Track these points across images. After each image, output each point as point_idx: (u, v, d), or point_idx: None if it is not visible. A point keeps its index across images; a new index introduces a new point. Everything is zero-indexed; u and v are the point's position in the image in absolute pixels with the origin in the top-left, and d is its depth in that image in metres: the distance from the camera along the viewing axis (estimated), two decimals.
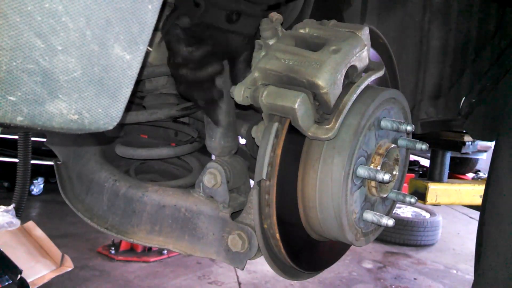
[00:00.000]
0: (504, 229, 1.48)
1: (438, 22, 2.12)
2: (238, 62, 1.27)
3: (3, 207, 2.83)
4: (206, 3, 1.12)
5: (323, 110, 1.15)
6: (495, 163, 1.62)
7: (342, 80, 1.13)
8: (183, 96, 1.45)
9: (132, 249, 5.32)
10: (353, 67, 1.17)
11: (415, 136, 2.17)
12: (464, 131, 3.03)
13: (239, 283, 4.83)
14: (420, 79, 2.20)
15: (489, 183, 1.61)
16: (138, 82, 1.56)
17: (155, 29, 0.80)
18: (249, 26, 1.21)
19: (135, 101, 1.69)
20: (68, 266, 3.67)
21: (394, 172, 1.35)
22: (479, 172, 7.90)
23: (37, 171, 7.15)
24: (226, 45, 1.23)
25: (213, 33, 1.19)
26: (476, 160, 8.05)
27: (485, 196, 1.62)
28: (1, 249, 2.96)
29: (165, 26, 1.21)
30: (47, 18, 0.68)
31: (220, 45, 1.22)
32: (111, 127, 0.79)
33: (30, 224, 3.75)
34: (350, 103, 1.16)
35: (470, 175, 7.68)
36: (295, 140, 1.21)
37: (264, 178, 1.16)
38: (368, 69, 1.24)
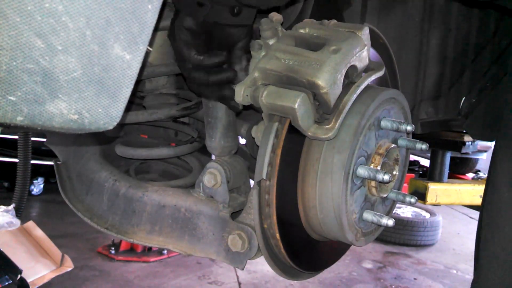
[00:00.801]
0: (501, 238, 1.45)
1: (438, 22, 2.12)
2: (236, 49, 1.27)
3: (3, 207, 2.83)
4: (210, 2, 1.11)
5: (323, 110, 1.15)
6: (492, 172, 1.54)
7: (342, 80, 1.13)
8: (194, 92, 1.45)
9: (132, 249, 5.32)
10: (353, 67, 1.16)
11: (415, 136, 2.17)
12: (464, 131, 3.03)
13: (239, 283, 4.83)
14: (420, 79, 2.19)
15: (487, 191, 1.55)
16: (138, 82, 1.56)
17: (155, 29, 0.80)
18: (250, 16, 1.21)
19: (135, 101, 1.69)
20: (68, 266, 3.67)
21: (394, 172, 1.35)
22: (479, 172, 7.90)
23: (37, 171, 7.15)
24: (228, 38, 1.23)
25: (217, 29, 1.19)
26: (476, 160, 8.05)
27: (483, 203, 1.57)
28: (1, 249, 2.96)
29: (171, 31, 1.21)
30: (47, 18, 0.68)
31: (224, 39, 1.22)
32: (111, 127, 0.80)
33: (30, 224, 3.75)
34: (350, 103, 1.16)
35: (470, 175, 7.67)
36: (295, 140, 1.21)
37: (264, 178, 1.16)
38: (368, 69, 1.24)
